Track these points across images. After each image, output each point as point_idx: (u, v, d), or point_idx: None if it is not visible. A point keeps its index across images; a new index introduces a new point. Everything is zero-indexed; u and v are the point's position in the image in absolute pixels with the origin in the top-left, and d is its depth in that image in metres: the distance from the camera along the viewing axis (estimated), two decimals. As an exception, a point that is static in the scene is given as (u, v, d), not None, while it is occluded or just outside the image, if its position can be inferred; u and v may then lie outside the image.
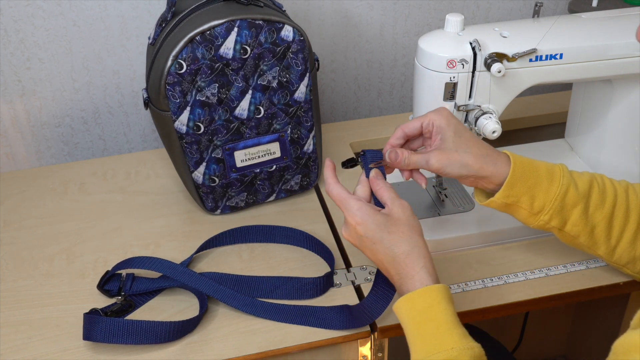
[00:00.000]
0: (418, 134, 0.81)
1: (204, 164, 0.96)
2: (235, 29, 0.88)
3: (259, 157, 0.98)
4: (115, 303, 0.86)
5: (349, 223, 0.76)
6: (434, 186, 1.03)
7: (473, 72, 0.87)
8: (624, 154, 0.99)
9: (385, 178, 0.79)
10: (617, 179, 0.83)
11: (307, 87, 0.95)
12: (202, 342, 0.81)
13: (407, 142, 0.83)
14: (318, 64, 0.96)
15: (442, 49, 0.86)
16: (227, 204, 1.01)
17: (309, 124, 0.98)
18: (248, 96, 0.92)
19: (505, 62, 0.86)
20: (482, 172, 0.77)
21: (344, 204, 0.76)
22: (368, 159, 0.80)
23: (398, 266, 0.73)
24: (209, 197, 0.99)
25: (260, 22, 0.89)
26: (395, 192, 0.77)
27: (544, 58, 0.87)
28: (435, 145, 0.78)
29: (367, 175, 0.79)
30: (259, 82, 0.92)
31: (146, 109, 0.95)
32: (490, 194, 0.81)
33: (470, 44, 0.85)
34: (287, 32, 0.90)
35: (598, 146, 1.02)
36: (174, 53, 0.86)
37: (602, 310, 1.25)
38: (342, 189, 0.77)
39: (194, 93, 0.89)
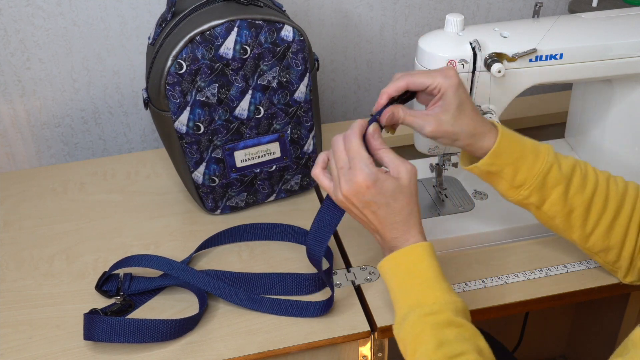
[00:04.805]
0: (420, 90, 0.79)
1: (204, 164, 0.96)
2: (235, 29, 0.88)
3: (259, 157, 0.98)
4: (115, 303, 0.86)
5: (357, 183, 0.72)
6: (433, 186, 1.03)
7: (473, 72, 0.87)
8: (624, 154, 0.99)
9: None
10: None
11: (307, 87, 0.95)
12: (202, 342, 0.81)
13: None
14: (318, 64, 0.96)
15: (442, 49, 0.86)
16: (227, 204, 1.01)
17: (309, 124, 0.98)
18: (248, 96, 0.92)
19: (505, 62, 0.86)
20: (469, 148, 0.79)
21: (356, 161, 0.73)
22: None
23: (395, 231, 0.75)
24: (209, 197, 0.99)
25: (260, 22, 0.89)
26: (395, 153, 0.76)
27: (544, 58, 0.87)
28: (435, 111, 0.77)
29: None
30: (258, 82, 0.92)
31: (146, 109, 0.95)
32: (476, 159, 0.81)
33: (470, 44, 0.85)
34: (287, 32, 0.90)
35: (598, 146, 1.02)
36: (174, 53, 0.86)
37: (602, 310, 1.25)
38: (361, 144, 0.74)
39: (193, 93, 0.89)
